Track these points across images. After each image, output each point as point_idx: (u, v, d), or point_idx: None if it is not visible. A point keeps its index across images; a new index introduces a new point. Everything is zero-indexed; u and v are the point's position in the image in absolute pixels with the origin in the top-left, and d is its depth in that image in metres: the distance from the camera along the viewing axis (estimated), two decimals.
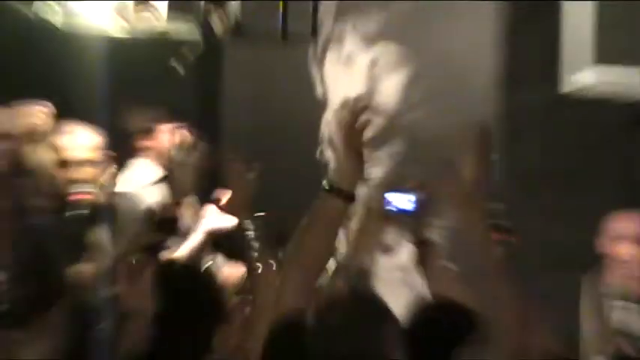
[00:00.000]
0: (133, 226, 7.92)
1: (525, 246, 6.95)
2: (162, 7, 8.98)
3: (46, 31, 8.78)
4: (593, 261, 7.61)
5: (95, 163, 7.74)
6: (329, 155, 8.76)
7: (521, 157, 8.94)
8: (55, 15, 8.63)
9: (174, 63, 9.37)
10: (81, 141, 7.70)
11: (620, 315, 7.57)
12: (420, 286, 6.51)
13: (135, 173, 8.63)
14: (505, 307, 5.05)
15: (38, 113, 7.63)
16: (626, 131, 8.87)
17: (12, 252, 7.18)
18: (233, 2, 8.93)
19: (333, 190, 4.86)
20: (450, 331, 4.66)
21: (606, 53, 8.56)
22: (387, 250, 8.17)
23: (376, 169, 8.34)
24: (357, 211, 7.33)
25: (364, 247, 7.66)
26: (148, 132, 8.72)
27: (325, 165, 8.64)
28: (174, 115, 8.95)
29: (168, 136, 8.74)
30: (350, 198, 4.89)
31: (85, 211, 7.64)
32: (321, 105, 8.87)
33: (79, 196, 7.56)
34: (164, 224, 7.92)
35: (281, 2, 8.67)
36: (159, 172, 8.61)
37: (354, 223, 7.45)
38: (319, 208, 4.94)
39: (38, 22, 8.73)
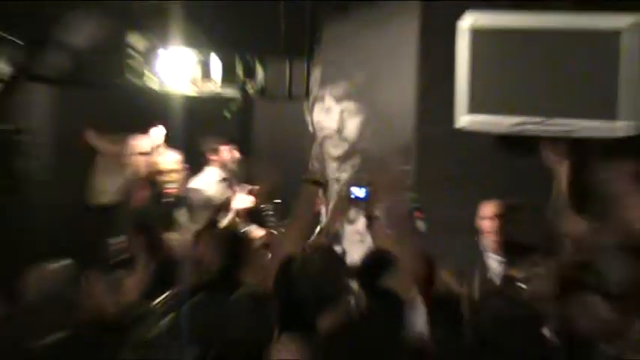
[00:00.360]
0: (202, 208, 9.68)
1: (433, 220, 8.31)
2: (218, 77, 9.64)
3: (151, 93, 9.66)
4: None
5: (178, 171, 9.72)
6: (314, 164, 10.82)
7: (429, 167, 9.88)
8: (154, 84, 9.62)
9: (225, 112, 10.60)
10: (170, 158, 9.76)
11: (490, 262, 8.50)
12: (370, 243, 7.66)
13: (206, 176, 10.24)
14: (410, 253, 6.51)
15: (155, 139, 9.77)
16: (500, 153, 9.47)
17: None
18: (260, 74, 9.71)
19: (308, 179, 6.76)
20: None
21: (479, 103, 9.00)
22: (350, 221, 10.10)
23: (344, 174, 10.54)
24: (333, 198, 10.08)
25: (336, 220, 9.68)
26: (214, 151, 10.26)
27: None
28: (227, 141, 10.46)
29: (226, 153, 10.32)
30: (317, 183, 6.66)
31: (172, 199, 9.76)
32: (311, 136, 10.83)
33: (169, 191, 9.73)
34: (222, 207, 9.79)
35: (288, 79, 9.48)
36: (220, 175, 10.24)
37: (330, 205, 9.84)
38: (302, 191, 6.69)
39: (147, 88, 9.59)
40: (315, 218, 8.75)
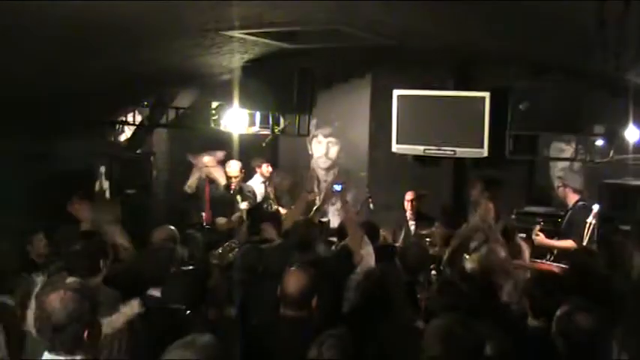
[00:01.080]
0: (250, 198, 9.53)
1: (378, 203, 9.39)
2: (258, 123, 8.90)
3: (224, 132, 8.97)
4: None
5: (239, 175, 9.48)
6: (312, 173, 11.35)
7: (376, 174, 10.47)
8: (226, 128, 8.91)
9: (263, 143, 10.18)
10: (233, 166, 9.51)
11: (409, 226, 8.81)
12: (342, 216, 8.56)
13: (254, 179, 10.14)
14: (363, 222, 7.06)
15: (218, 157, 9.54)
16: (415, 165, 9.96)
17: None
18: (282, 122, 8.97)
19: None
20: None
21: (404, 137, 9.43)
22: (333, 203, 10.75)
23: (329, 178, 11.35)
24: (323, 191, 10.54)
25: (325, 203, 10.17)
26: (258, 165, 10.16)
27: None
28: (265, 160, 10.21)
29: (264, 167, 10.12)
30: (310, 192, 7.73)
31: (234, 190, 9.41)
32: (310, 157, 11.73)
33: (233, 186, 9.40)
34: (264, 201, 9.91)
35: (297, 124, 8.93)
36: (262, 180, 10.10)
37: (322, 195, 10.23)
38: (303, 194, 7.81)
39: (221, 130, 9.01)
40: (312, 203, 9.14)
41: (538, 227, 8.28)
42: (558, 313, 3.89)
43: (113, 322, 4.17)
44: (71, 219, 6.11)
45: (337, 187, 8.02)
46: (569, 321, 3.81)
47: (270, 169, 10.13)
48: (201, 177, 9.57)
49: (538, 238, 8.18)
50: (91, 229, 5.84)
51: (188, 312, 4.39)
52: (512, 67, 8.75)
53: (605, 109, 8.36)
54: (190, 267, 4.88)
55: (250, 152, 10.04)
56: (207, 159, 9.61)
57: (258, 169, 10.13)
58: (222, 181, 9.60)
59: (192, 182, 9.56)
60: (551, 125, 8.01)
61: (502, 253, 5.92)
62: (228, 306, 5.38)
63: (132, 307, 4.32)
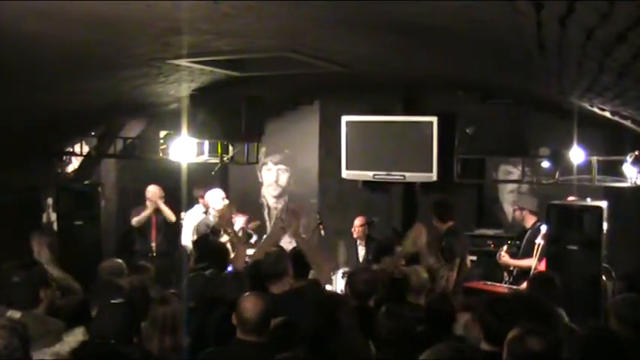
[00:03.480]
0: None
1: (329, 228, 9.46)
2: (207, 152, 8.95)
3: (171, 161, 8.82)
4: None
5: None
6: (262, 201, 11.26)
7: (326, 200, 10.53)
8: (173, 157, 8.68)
9: (212, 172, 9.78)
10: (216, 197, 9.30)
11: (359, 250, 8.99)
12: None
13: (194, 210, 9.72)
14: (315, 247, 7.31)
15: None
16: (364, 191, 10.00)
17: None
18: (230, 150, 9.03)
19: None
20: None
21: (353, 163, 9.48)
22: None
23: (279, 206, 11.33)
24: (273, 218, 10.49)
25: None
26: (202, 195, 9.65)
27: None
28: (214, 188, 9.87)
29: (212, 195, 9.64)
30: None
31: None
32: (260, 185, 11.54)
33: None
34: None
35: (246, 152, 9.19)
36: (203, 210, 9.61)
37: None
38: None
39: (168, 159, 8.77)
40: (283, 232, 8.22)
41: (505, 248, 8.49)
42: (509, 336, 3.93)
43: (57, 351, 4.12)
44: (19, 252, 5.98)
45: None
46: (519, 345, 3.85)
47: (226, 201, 9.65)
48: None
49: (504, 258, 8.44)
50: (31, 260, 5.69)
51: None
52: (459, 91, 8.79)
53: (550, 132, 8.63)
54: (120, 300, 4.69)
55: (200, 181, 9.91)
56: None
57: (200, 200, 9.86)
58: (171, 215, 9.63)
59: (141, 218, 9.70)
60: (498, 148, 8.15)
61: (424, 274, 6.28)
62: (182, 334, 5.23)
63: (76, 336, 4.27)
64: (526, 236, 8.55)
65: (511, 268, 8.53)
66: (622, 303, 4.86)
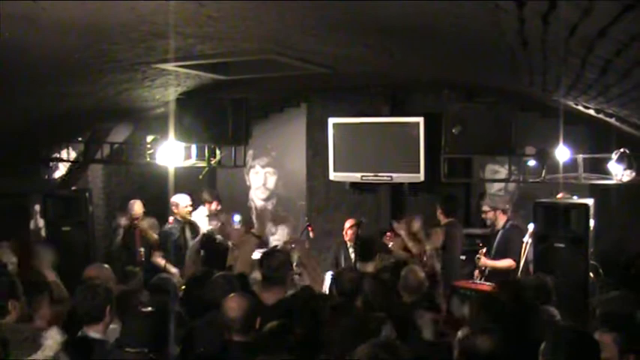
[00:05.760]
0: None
1: (318, 230, 9.43)
2: (194, 156, 8.86)
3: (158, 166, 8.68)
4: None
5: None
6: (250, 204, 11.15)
7: (315, 202, 10.52)
8: (159, 161, 8.57)
9: (200, 176, 9.36)
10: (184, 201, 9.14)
11: (348, 251, 8.45)
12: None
13: (198, 212, 9.53)
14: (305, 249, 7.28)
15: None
16: (352, 193, 10.02)
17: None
18: (218, 154, 8.83)
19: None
20: None
21: (341, 165, 9.53)
22: (273, 233, 10.68)
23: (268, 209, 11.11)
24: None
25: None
26: (209, 202, 9.55)
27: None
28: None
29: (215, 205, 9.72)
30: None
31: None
32: (248, 188, 11.54)
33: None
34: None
35: (234, 156, 8.97)
36: (206, 214, 9.59)
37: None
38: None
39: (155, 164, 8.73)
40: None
41: (484, 250, 8.52)
42: (459, 335, 4.02)
43: (39, 358, 4.07)
44: None
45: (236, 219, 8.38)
46: (469, 343, 3.95)
47: (219, 207, 9.69)
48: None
49: (482, 260, 8.48)
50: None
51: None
52: (445, 91, 8.82)
53: (536, 130, 8.73)
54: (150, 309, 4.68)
55: (188, 186, 9.80)
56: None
57: (207, 204, 9.66)
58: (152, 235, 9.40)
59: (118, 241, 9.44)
60: (484, 147, 8.11)
61: (420, 273, 6.31)
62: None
63: (54, 338, 4.18)
64: (498, 236, 8.55)
65: (483, 268, 8.51)
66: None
